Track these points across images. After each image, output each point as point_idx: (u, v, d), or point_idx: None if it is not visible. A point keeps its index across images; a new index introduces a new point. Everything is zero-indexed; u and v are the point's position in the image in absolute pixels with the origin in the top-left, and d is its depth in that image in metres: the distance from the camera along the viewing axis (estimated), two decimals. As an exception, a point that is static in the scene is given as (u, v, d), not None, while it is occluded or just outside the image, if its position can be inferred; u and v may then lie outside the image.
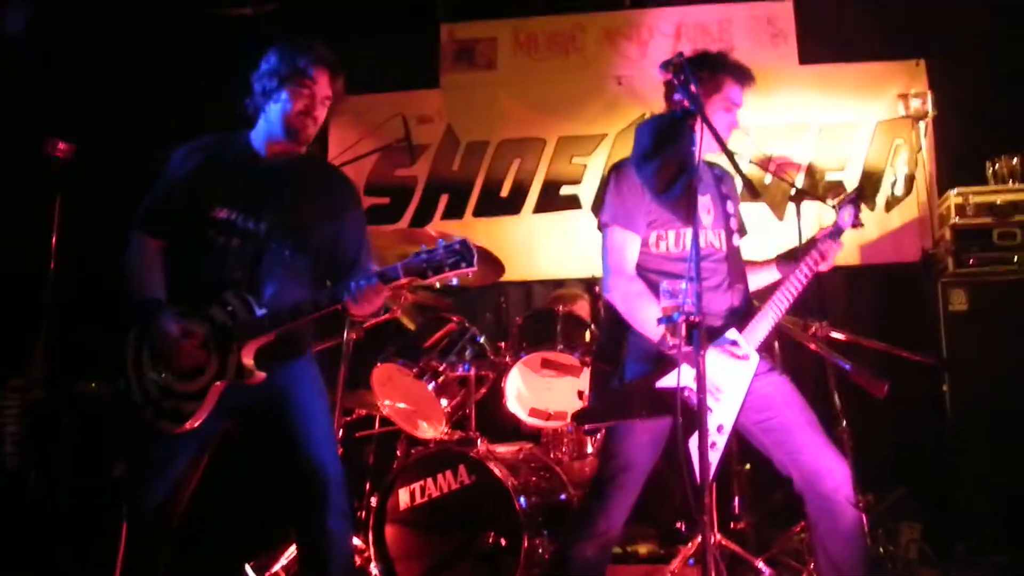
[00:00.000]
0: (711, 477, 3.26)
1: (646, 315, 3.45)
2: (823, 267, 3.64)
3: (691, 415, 3.25)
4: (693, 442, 3.30)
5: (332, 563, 3.45)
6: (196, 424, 3.43)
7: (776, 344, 4.79)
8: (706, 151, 3.60)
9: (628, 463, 3.54)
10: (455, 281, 3.25)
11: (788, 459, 3.52)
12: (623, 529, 5.09)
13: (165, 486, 3.52)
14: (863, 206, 3.72)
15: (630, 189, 3.61)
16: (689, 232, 3.50)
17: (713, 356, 3.40)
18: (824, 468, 3.45)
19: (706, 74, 3.66)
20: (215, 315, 3.45)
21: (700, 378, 2.92)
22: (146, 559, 3.51)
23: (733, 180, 3.90)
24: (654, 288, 3.46)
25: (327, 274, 3.69)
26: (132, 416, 3.50)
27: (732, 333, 3.49)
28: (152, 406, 3.45)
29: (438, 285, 3.28)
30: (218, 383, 3.41)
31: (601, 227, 3.71)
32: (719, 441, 3.39)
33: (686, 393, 3.27)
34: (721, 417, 3.43)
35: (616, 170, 3.73)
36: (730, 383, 3.44)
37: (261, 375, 3.43)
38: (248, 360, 3.42)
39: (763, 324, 3.53)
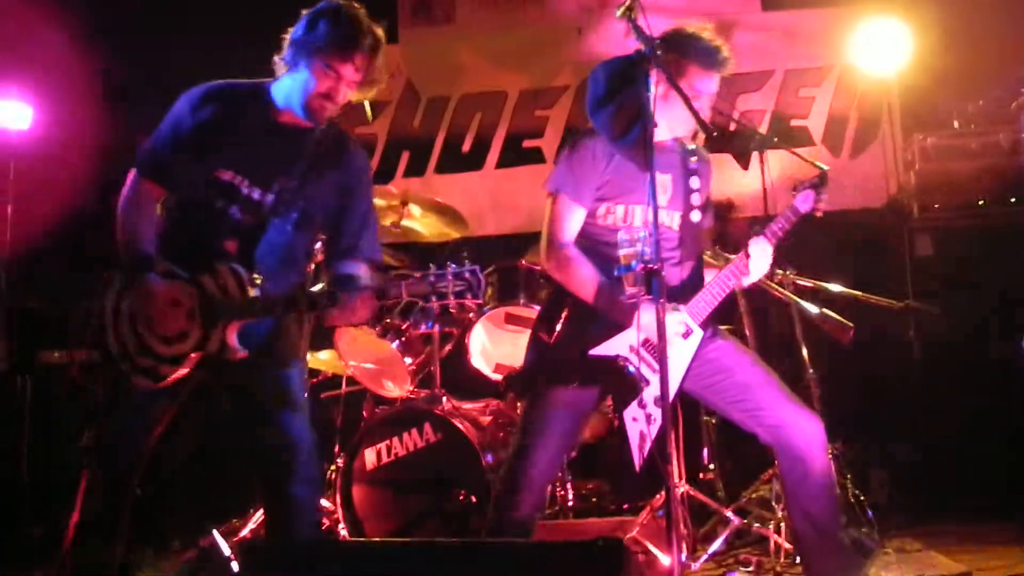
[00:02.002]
0: (648, 448, 3.24)
1: (581, 276, 3.42)
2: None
3: (627, 384, 3.24)
4: (629, 412, 3.31)
5: (296, 529, 3.39)
6: (166, 384, 3.32)
7: (742, 299, 4.78)
8: (674, 129, 3.60)
9: (549, 430, 3.48)
10: (452, 309, 3.25)
11: (748, 417, 3.48)
12: (592, 485, 5.19)
13: (133, 445, 3.43)
14: (821, 187, 3.57)
15: (582, 160, 3.55)
16: (638, 209, 3.52)
17: (650, 328, 3.34)
18: (788, 420, 3.41)
19: (672, 57, 3.51)
20: (205, 284, 3.30)
21: (660, 325, 2.87)
22: (110, 519, 3.45)
23: (707, 159, 3.78)
24: (593, 256, 3.43)
25: (326, 255, 3.55)
26: (104, 373, 3.41)
27: (673, 307, 3.44)
28: (129, 360, 3.33)
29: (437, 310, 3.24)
30: (198, 353, 3.30)
31: (547, 195, 3.64)
32: (656, 414, 3.36)
33: (621, 363, 3.23)
34: (659, 390, 3.39)
35: (572, 139, 3.66)
36: (670, 356, 3.39)
37: (242, 352, 3.31)
38: (232, 339, 3.30)
39: (707, 299, 3.48)
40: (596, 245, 3.50)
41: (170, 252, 3.40)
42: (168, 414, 3.51)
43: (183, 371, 3.31)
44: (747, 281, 3.56)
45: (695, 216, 3.64)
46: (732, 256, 3.64)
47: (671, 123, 3.53)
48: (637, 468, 3.29)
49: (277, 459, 3.37)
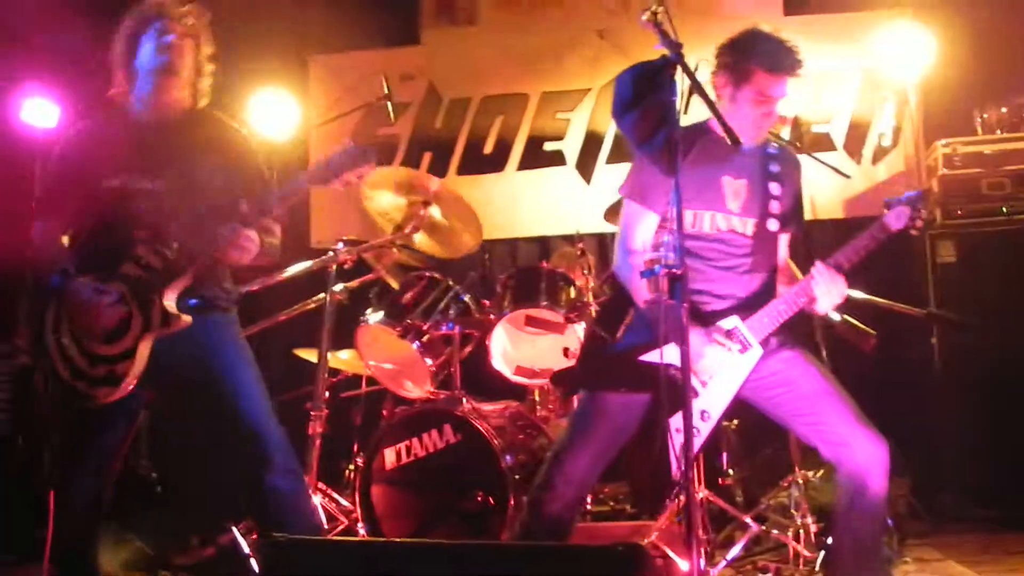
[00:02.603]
0: (692, 457, 3.21)
1: (639, 285, 3.36)
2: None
3: (675, 394, 3.20)
4: (674, 422, 3.25)
5: (288, 522, 3.43)
6: (132, 385, 3.41)
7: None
8: (759, 132, 3.52)
9: (595, 431, 3.48)
10: (355, 181, 3.43)
11: (811, 431, 3.42)
12: (609, 488, 5.18)
13: (93, 465, 3.55)
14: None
15: (651, 165, 3.49)
16: (706, 215, 3.49)
17: (699, 340, 3.31)
18: (850, 439, 3.32)
19: (731, 60, 3.50)
20: (128, 271, 3.45)
21: (683, 330, 2.86)
22: (79, 536, 3.51)
23: (794, 160, 3.68)
24: None
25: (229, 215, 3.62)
26: (62, 396, 3.49)
27: (731, 321, 3.41)
28: (83, 378, 3.42)
29: (341, 187, 3.46)
30: (146, 336, 3.40)
31: (623, 200, 3.61)
32: (702, 428, 3.33)
33: (673, 372, 3.19)
34: (707, 403, 3.37)
35: None
36: (721, 370, 3.37)
37: (187, 319, 3.44)
38: (171, 306, 3.43)
39: (772, 315, 3.41)
40: None
41: (92, 265, 3.52)
42: (127, 436, 3.63)
43: (140, 363, 3.39)
44: (820, 309, 3.45)
45: (772, 224, 3.53)
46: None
47: (738, 127, 3.35)
48: (676, 475, 3.26)
49: (249, 451, 3.45)
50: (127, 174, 3.54)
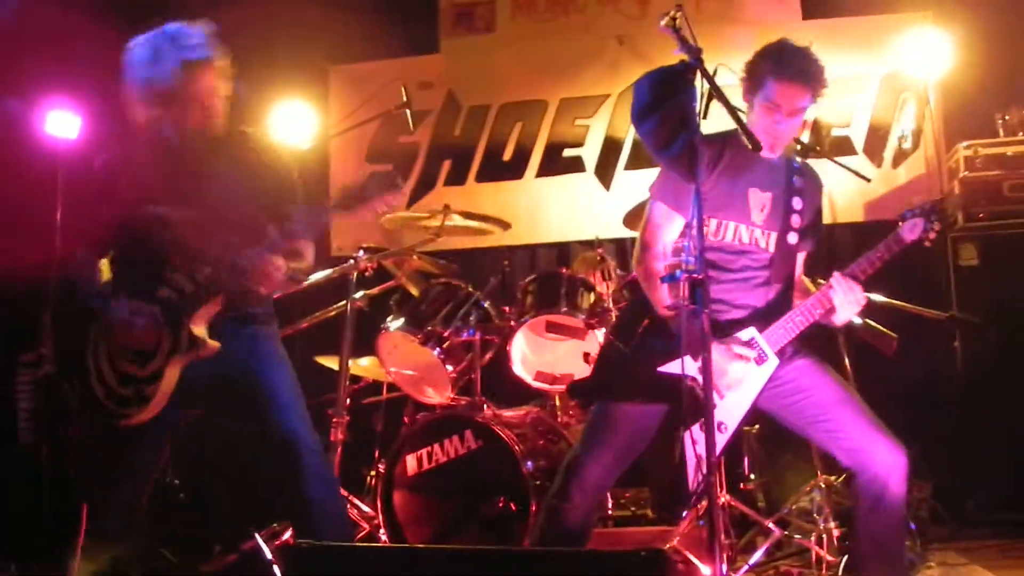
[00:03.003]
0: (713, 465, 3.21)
1: (661, 295, 3.40)
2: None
3: (693, 404, 3.20)
4: (691, 433, 3.25)
5: (320, 529, 3.46)
6: (159, 409, 3.44)
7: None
8: (772, 141, 3.49)
9: (611, 440, 3.48)
10: (382, 208, 3.43)
11: (827, 438, 3.42)
12: (631, 493, 5.17)
13: (128, 482, 3.59)
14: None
15: None
16: (731, 225, 3.48)
17: (720, 355, 3.31)
18: (866, 445, 3.31)
19: (750, 67, 3.52)
20: (162, 295, 3.48)
21: (705, 335, 2.86)
22: (112, 550, 3.54)
23: (816, 178, 3.71)
24: None
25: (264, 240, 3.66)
26: (95, 415, 3.52)
27: (748, 332, 3.41)
28: (113, 396, 3.46)
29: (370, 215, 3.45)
30: (174, 359, 3.43)
31: (649, 201, 3.60)
32: (718, 439, 3.33)
33: (690, 383, 3.19)
34: (723, 414, 3.37)
35: None
36: (738, 381, 3.37)
37: (214, 344, 3.47)
38: (199, 331, 3.46)
39: (788, 327, 3.41)
40: None
41: (129, 287, 3.54)
42: (160, 453, 3.68)
43: (167, 386, 3.42)
44: (838, 320, 3.46)
45: (792, 238, 3.55)
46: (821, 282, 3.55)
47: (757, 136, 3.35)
48: (692, 487, 3.26)
49: (283, 459, 3.48)
50: (161, 202, 3.57)
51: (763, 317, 3.46)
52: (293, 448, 3.47)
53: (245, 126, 3.82)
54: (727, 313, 3.48)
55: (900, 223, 3.46)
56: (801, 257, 3.70)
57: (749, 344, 3.39)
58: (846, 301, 3.38)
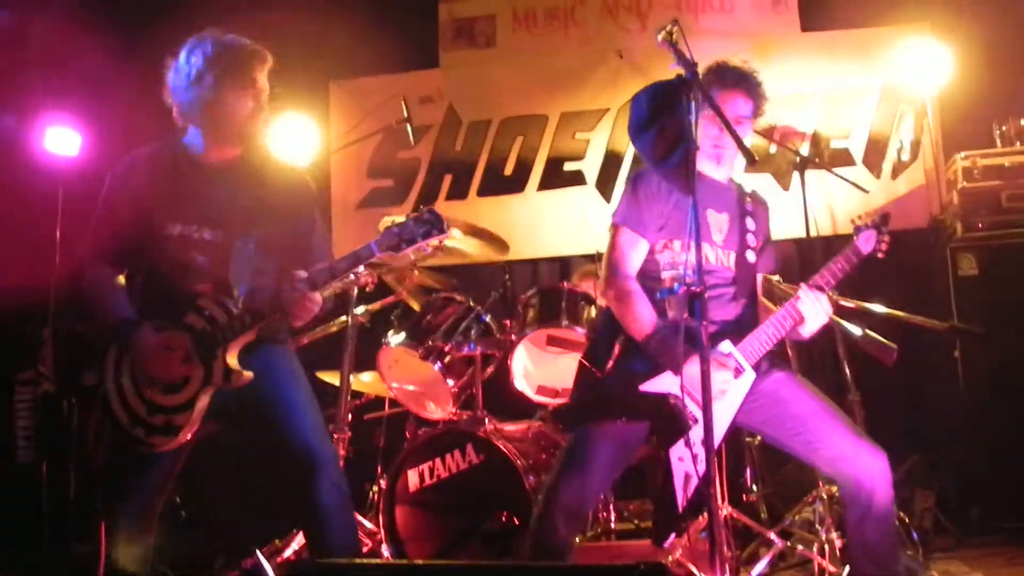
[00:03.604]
0: (692, 490, 3.23)
1: (638, 314, 3.43)
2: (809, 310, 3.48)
3: (675, 423, 3.22)
4: (676, 451, 3.29)
5: (332, 537, 3.47)
6: (188, 436, 3.43)
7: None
8: (730, 171, 3.67)
9: (594, 462, 3.47)
10: (429, 250, 3.42)
11: (808, 450, 3.46)
12: (633, 506, 5.17)
13: (144, 495, 3.57)
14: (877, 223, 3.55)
15: (646, 195, 3.59)
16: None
17: (697, 367, 3.33)
18: (847, 453, 3.35)
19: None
20: (193, 323, 3.44)
21: (703, 348, 2.87)
22: (129, 563, 3.53)
23: (763, 203, 3.84)
24: (649, 293, 3.43)
25: (290, 267, 3.62)
26: (118, 441, 3.49)
27: (725, 346, 3.44)
28: (142, 425, 3.43)
29: (412, 256, 3.49)
30: (206, 390, 3.41)
31: (611, 227, 3.67)
32: (701, 454, 3.34)
33: (672, 401, 3.23)
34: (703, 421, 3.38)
35: (636, 175, 3.72)
36: (720, 393, 3.37)
37: (248, 375, 3.44)
38: (234, 362, 3.43)
39: (762, 339, 3.46)
40: (650, 281, 3.50)
41: (150, 311, 3.52)
42: (176, 468, 3.63)
43: (198, 416, 3.41)
44: (806, 332, 3.52)
45: (750, 256, 3.64)
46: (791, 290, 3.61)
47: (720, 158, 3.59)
48: (680, 509, 3.28)
49: (299, 470, 3.46)
50: (186, 222, 3.53)
51: (735, 331, 3.50)
52: (310, 461, 3.45)
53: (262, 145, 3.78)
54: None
55: (855, 235, 3.58)
56: (759, 278, 3.78)
57: (726, 358, 3.41)
58: (813, 311, 3.45)
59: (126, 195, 3.59)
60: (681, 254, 3.09)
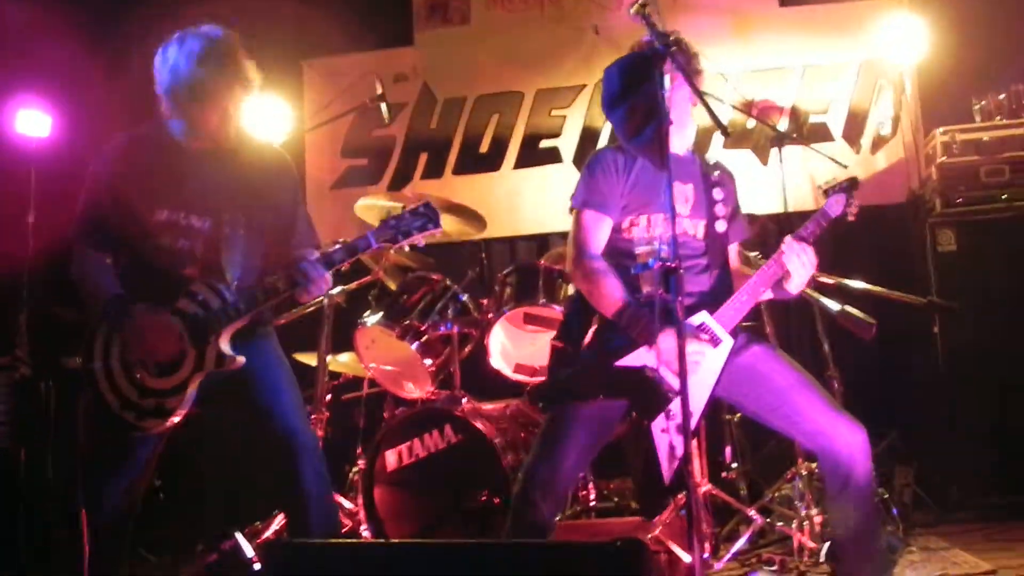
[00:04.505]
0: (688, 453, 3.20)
1: (607, 291, 3.40)
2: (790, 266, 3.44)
3: (655, 395, 3.20)
4: (657, 424, 3.27)
5: (312, 521, 3.45)
6: (178, 419, 3.42)
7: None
8: (685, 141, 3.62)
9: (573, 440, 3.43)
10: (422, 243, 3.45)
11: (787, 424, 3.44)
12: (614, 485, 5.16)
13: (127, 477, 3.54)
14: (852, 191, 3.54)
15: (604, 175, 3.56)
16: (660, 218, 3.50)
17: (669, 337, 3.24)
18: (826, 427, 3.33)
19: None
20: (185, 307, 3.43)
21: (679, 324, 2.85)
22: (107, 547, 3.50)
23: (728, 172, 3.79)
24: (621, 272, 3.41)
25: (274, 251, 3.66)
26: (108, 424, 3.47)
27: (700, 316, 3.41)
28: (132, 408, 3.41)
29: (407, 248, 3.49)
30: (198, 374, 3.40)
31: (571, 211, 3.64)
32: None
33: (649, 374, 3.21)
34: (680, 395, 3.36)
35: (591, 157, 3.70)
36: (695, 364, 3.34)
37: (241, 360, 3.44)
38: (226, 347, 3.43)
39: (736, 307, 3.44)
40: (622, 259, 3.48)
41: (139, 295, 3.48)
42: (157, 453, 3.61)
43: (189, 399, 3.40)
44: (793, 287, 3.48)
45: (720, 226, 3.61)
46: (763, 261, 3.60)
47: (677, 136, 3.51)
48: (666, 480, 3.26)
49: (282, 456, 3.44)
50: (174, 208, 3.51)
51: (710, 301, 3.47)
52: (292, 445, 3.44)
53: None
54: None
55: (824, 197, 3.58)
56: (734, 249, 3.77)
57: (701, 327, 3.39)
58: (799, 263, 3.42)
59: (111, 179, 3.56)
60: (653, 229, 3.05)
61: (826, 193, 3.57)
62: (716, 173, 3.68)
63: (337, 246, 3.52)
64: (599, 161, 3.61)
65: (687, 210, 3.58)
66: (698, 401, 3.33)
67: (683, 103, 3.54)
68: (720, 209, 3.62)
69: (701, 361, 3.33)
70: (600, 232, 3.53)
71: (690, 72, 3.48)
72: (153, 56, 3.62)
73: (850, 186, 3.55)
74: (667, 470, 3.25)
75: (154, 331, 3.39)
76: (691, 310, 3.39)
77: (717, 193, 3.63)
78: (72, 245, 3.60)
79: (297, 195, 3.80)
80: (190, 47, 3.51)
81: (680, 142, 3.61)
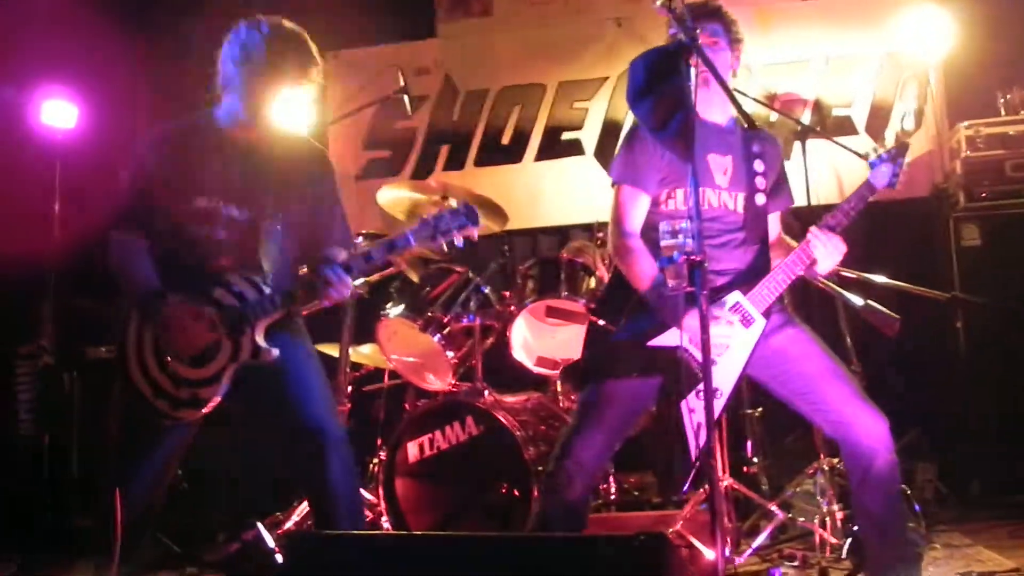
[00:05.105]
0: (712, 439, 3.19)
1: (639, 270, 3.41)
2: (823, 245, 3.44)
3: (686, 374, 3.21)
4: (687, 403, 3.26)
5: (339, 515, 3.46)
6: (211, 409, 3.44)
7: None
8: (726, 109, 3.59)
9: (606, 419, 3.46)
10: (460, 242, 3.40)
11: (812, 410, 3.45)
12: (635, 478, 5.16)
13: (154, 467, 3.57)
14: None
15: (641, 149, 3.54)
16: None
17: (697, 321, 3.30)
18: (851, 417, 3.34)
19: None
20: (221, 298, 3.44)
21: (703, 318, 2.84)
22: (132, 534, 3.52)
23: (772, 140, 3.75)
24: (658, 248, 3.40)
25: (309, 246, 3.66)
26: (142, 413, 3.48)
27: (734, 296, 3.41)
28: (166, 397, 3.43)
29: (445, 248, 3.44)
30: (232, 365, 3.42)
31: (612, 186, 3.64)
32: (716, 404, 3.32)
33: (681, 353, 3.20)
34: (717, 380, 3.33)
35: (630, 131, 3.67)
36: (724, 346, 3.35)
37: (275, 352, 3.45)
38: (261, 339, 3.44)
39: (771, 286, 3.43)
40: (656, 232, 3.47)
41: (173, 283, 3.49)
42: (185, 442, 3.64)
43: (223, 390, 3.41)
44: (821, 270, 3.49)
45: (760, 199, 3.57)
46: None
47: (716, 106, 3.53)
48: (694, 458, 3.25)
49: (309, 447, 3.44)
50: (214, 196, 3.52)
51: (745, 278, 3.46)
52: (322, 440, 3.44)
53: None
54: (712, 281, 3.45)
55: (869, 169, 3.53)
56: (776, 218, 3.73)
57: (735, 308, 3.39)
58: (826, 252, 3.42)
59: (154, 164, 3.57)
60: (682, 220, 3.03)
61: (871, 165, 3.52)
62: (757, 144, 3.62)
63: (375, 246, 3.48)
64: (637, 134, 3.59)
65: (726, 182, 3.56)
66: (727, 382, 3.34)
67: (723, 70, 3.49)
68: (760, 181, 3.58)
69: (730, 343, 3.33)
70: (636, 209, 3.53)
71: (732, 39, 3.51)
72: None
73: (898, 152, 3.52)
74: (695, 448, 3.24)
75: (189, 322, 3.40)
76: (724, 289, 3.40)
77: (758, 165, 3.59)
78: (109, 231, 3.59)
79: (336, 193, 3.78)
80: (264, 28, 3.55)
81: (720, 111, 3.59)
